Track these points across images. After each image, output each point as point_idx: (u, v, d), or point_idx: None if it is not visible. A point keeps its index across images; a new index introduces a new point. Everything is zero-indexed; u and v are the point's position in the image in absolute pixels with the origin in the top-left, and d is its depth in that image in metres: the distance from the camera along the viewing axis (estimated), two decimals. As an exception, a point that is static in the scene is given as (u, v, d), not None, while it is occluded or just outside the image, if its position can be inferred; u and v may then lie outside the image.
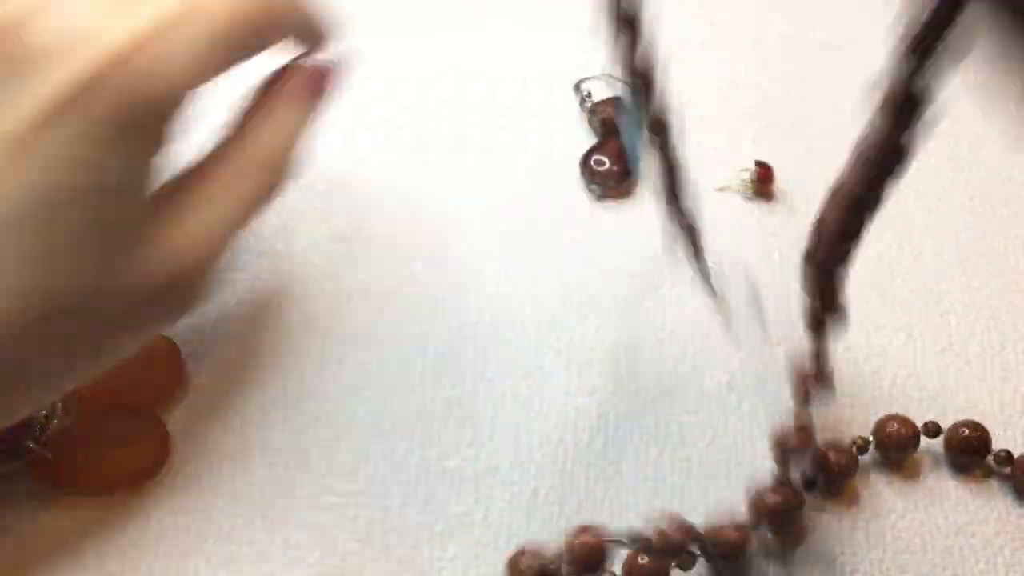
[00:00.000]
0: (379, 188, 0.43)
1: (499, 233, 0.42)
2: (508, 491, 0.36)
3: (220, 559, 0.34)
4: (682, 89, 0.45)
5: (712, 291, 0.38)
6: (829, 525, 0.36)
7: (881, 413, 0.38)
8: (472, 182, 0.43)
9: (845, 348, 0.39)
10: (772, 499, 0.35)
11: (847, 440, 0.37)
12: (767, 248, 0.41)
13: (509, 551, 0.35)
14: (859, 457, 0.37)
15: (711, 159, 0.44)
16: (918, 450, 0.37)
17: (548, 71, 0.47)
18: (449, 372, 0.38)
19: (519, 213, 0.42)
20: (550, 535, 0.35)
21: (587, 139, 0.45)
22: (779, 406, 0.38)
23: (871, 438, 0.37)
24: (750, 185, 0.42)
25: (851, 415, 0.38)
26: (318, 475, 0.36)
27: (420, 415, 0.37)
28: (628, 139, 0.38)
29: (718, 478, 0.37)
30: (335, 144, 0.44)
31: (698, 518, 0.34)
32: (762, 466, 0.37)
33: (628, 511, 0.36)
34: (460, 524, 0.35)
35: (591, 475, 0.37)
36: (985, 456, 0.37)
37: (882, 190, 0.25)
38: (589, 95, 0.45)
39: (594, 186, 0.42)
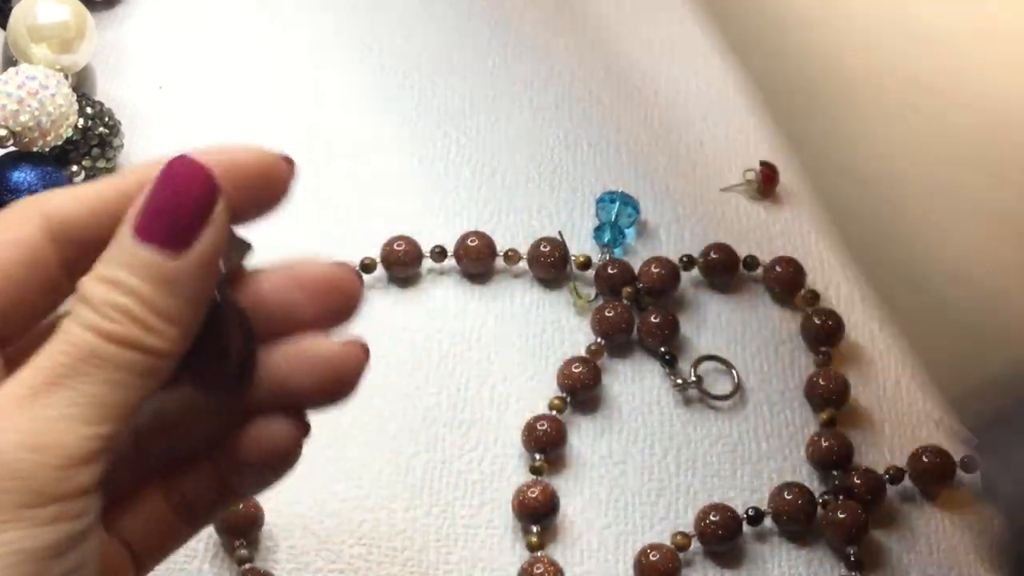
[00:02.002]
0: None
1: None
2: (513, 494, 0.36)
3: (225, 563, 0.34)
4: (687, 88, 0.45)
5: None
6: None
7: (917, 444, 0.37)
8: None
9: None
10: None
11: (882, 468, 0.37)
12: (773, 249, 0.41)
13: (514, 556, 0.35)
14: (893, 486, 0.37)
15: (716, 160, 0.43)
16: (953, 482, 0.37)
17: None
18: (454, 375, 0.38)
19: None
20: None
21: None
22: (783, 406, 0.38)
23: (906, 468, 0.37)
24: (755, 186, 0.42)
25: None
26: (323, 480, 0.36)
27: (425, 419, 0.37)
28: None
29: (723, 477, 0.37)
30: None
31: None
32: (767, 466, 0.37)
33: (634, 511, 0.36)
34: (465, 528, 0.35)
35: (594, 476, 0.37)
36: None
37: None
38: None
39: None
